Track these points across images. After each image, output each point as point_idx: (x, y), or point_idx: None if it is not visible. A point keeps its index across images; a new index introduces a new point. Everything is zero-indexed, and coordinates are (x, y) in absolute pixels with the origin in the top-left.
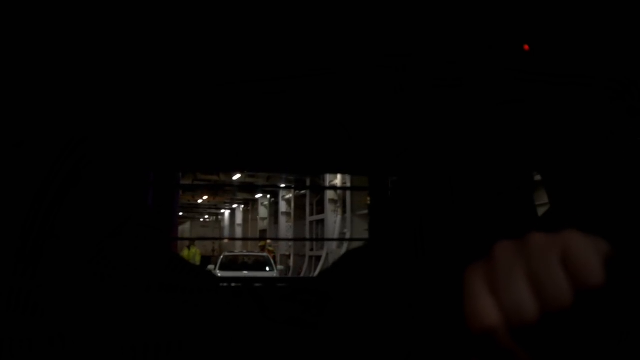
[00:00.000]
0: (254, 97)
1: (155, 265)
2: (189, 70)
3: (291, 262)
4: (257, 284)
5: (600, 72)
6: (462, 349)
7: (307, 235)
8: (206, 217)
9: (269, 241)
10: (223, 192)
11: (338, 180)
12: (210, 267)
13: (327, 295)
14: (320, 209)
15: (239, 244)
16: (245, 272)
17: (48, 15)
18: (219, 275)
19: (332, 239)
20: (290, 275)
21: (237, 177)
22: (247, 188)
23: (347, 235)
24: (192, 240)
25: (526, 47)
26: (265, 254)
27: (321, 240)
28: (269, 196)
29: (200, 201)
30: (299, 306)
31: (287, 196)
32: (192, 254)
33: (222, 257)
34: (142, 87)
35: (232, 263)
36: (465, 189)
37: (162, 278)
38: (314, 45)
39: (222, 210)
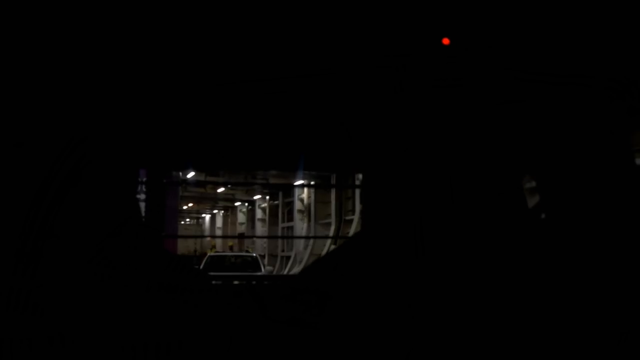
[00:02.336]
0: (254, 97)
1: (155, 265)
2: (189, 71)
3: (265, 261)
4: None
5: (600, 72)
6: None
7: (279, 240)
8: (187, 220)
9: (253, 239)
10: (206, 200)
11: (305, 194)
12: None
13: (327, 295)
14: (290, 218)
15: (218, 245)
16: (232, 274)
17: (48, 16)
18: None
19: (300, 237)
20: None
21: (220, 189)
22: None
23: (311, 241)
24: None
25: (445, 41)
26: (253, 254)
27: (290, 237)
28: (247, 204)
29: (185, 207)
30: (299, 306)
31: (263, 205)
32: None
33: (207, 257)
34: (143, 88)
35: (217, 264)
36: (465, 189)
37: (162, 278)
38: (314, 45)
39: (203, 215)
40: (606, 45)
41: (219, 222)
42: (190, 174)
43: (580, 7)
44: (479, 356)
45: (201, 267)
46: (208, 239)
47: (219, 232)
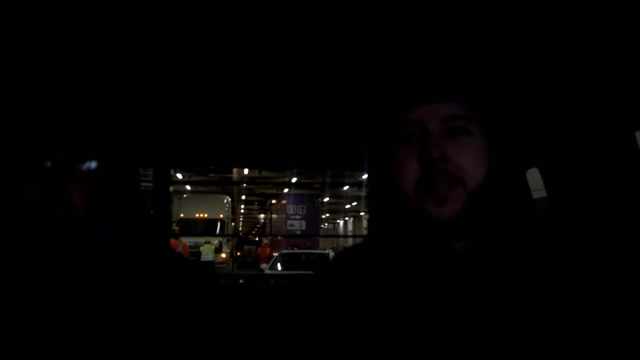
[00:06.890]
0: (253, 97)
1: (156, 265)
2: (189, 71)
3: None
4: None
5: (600, 72)
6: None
7: None
8: (325, 224)
9: None
10: (338, 212)
11: None
12: (263, 266)
13: (327, 295)
14: None
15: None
16: (302, 272)
17: (48, 16)
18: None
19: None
20: None
21: (348, 205)
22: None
23: None
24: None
25: None
26: (326, 251)
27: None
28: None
29: (323, 216)
30: (299, 306)
31: None
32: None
33: (277, 255)
34: (143, 88)
35: (288, 261)
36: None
37: (162, 278)
38: (313, 45)
39: (338, 221)
40: (606, 45)
41: (350, 227)
42: (326, 199)
43: (580, 6)
44: (479, 356)
45: (270, 264)
46: (343, 238)
47: (349, 234)
